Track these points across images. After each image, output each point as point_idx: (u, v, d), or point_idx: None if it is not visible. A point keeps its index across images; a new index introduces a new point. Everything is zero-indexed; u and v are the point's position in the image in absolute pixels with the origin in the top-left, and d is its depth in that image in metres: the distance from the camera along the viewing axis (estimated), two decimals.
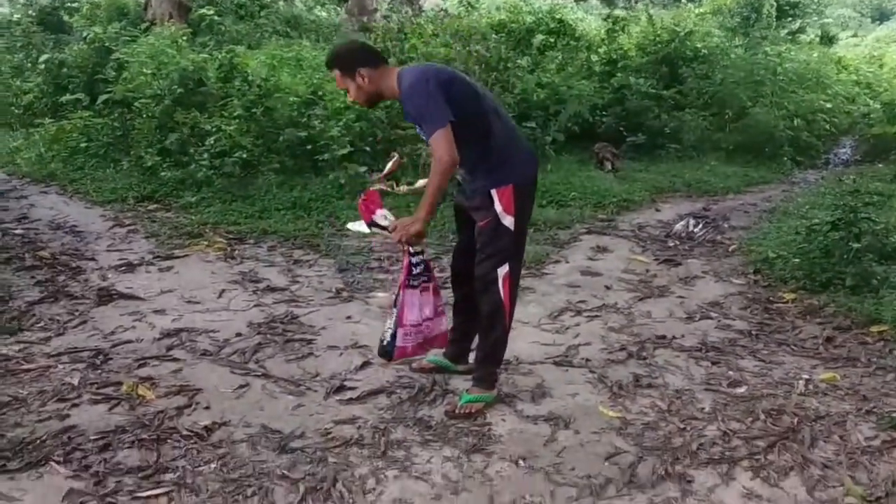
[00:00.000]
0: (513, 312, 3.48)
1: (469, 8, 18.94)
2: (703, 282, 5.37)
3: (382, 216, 3.43)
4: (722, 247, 6.24)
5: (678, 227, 6.72)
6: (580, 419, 3.36)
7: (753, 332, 4.43)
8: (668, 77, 11.64)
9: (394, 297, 3.48)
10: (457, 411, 3.37)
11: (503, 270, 3.33)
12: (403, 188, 7.33)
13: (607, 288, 5.18)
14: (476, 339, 3.63)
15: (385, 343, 3.42)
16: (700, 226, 6.74)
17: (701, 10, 25.52)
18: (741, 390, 3.69)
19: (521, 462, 3.00)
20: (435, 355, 3.77)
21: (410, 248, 3.36)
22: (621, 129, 10.06)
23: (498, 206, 3.28)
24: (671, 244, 6.30)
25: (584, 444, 3.15)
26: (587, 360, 4.01)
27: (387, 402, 3.48)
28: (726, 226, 6.94)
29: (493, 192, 3.28)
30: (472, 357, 3.70)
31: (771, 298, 4.99)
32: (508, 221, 3.30)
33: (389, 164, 3.91)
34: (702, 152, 10.14)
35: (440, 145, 3.09)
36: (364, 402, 3.47)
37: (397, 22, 15.81)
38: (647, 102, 10.40)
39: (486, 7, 21.56)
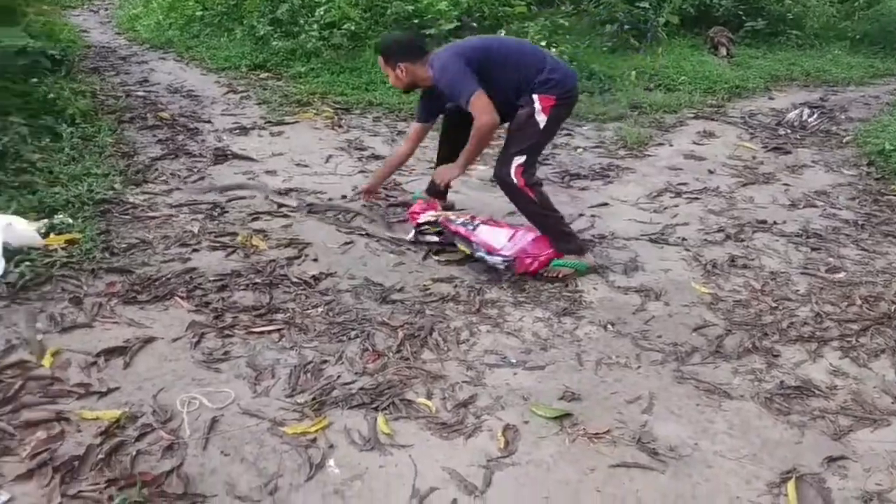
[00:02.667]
0: (540, 196, 3.63)
1: None
2: (812, 171, 5.23)
3: (425, 215, 3.82)
4: (836, 137, 6.01)
5: (791, 115, 6.48)
6: (671, 292, 3.42)
7: (859, 223, 4.33)
8: None
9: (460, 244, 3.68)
10: (546, 274, 3.56)
11: (519, 160, 3.55)
12: None
13: (710, 172, 5.11)
14: None
15: (504, 265, 3.53)
16: (815, 115, 6.48)
17: None
18: (839, 276, 3.66)
19: (609, 326, 3.10)
20: (420, 192, 4.19)
21: (449, 218, 3.73)
22: (740, 13, 9.57)
23: (537, 104, 3.51)
24: (782, 132, 6.11)
25: (672, 315, 3.23)
26: (683, 238, 4.03)
27: (482, 266, 3.61)
28: (843, 117, 6.65)
29: (536, 96, 3.51)
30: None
31: (882, 191, 4.83)
32: (541, 119, 3.51)
33: None
34: (825, 41, 9.61)
35: (478, 107, 3.40)
36: (461, 265, 3.62)
37: None
38: None
39: None
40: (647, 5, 8.72)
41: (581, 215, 4.29)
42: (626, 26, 8.43)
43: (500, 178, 3.62)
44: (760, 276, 3.62)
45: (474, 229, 3.65)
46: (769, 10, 9.55)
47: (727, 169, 5.19)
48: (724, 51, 8.74)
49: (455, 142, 3.83)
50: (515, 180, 3.56)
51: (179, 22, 8.98)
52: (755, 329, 3.13)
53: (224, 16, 8.66)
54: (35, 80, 5.52)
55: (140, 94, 6.48)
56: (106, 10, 11.47)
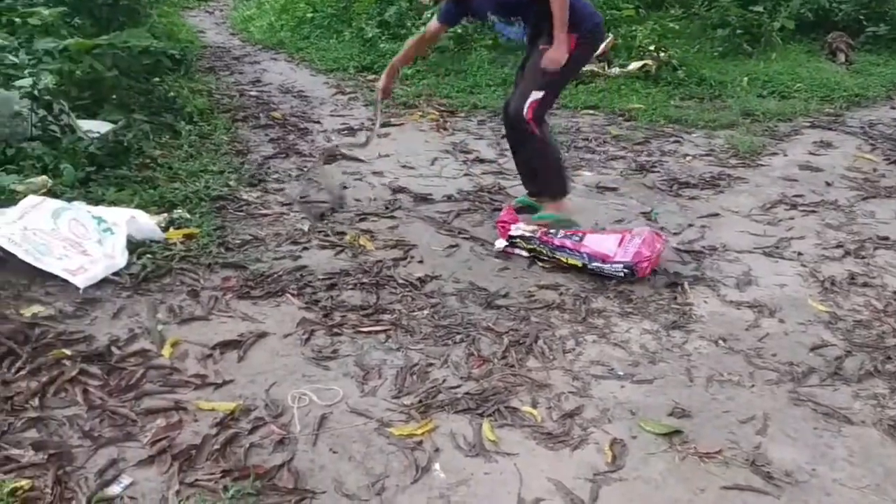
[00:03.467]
0: (543, 131, 3.82)
1: None
2: None
3: (517, 228, 3.72)
4: None
5: None
6: (786, 309, 3.30)
7: None
8: None
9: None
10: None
11: (536, 95, 3.70)
12: (615, 70, 7.22)
13: (828, 184, 4.90)
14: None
15: (624, 273, 3.46)
16: None
17: None
18: None
19: (720, 342, 3.01)
20: (523, 196, 4.23)
21: (549, 232, 3.67)
22: (861, 17, 9.14)
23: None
24: None
25: (788, 333, 3.11)
26: (799, 253, 3.87)
27: (588, 275, 3.56)
28: None
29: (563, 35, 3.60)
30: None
31: None
32: (563, 56, 3.63)
33: (602, 46, 4.00)
34: None
35: None
36: (567, 272, 3.58)
37: None
38: None
39: None
40: (761, 9, 8.44)
41: (691, 225, 4.18)
42: (739, 30, 8.18)
43: (514, 115, 3.75)
44: (883, 296, 3.44)
45: (581, 240, 3.59)
46: (893, 14, 9.08)
47: (846, 181, 4.97)
48: (842, 57, 8.37)
49: None
50: (526, 113, 3.70)
51: (291, 23, 9.24)
52: (877, 352, 2.97)
53: (333, 18, 8.86)
54: (157, 79, 5.77)
55: (253, 93, 6.69)
56: (221, 10, 11.90)
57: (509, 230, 3.75)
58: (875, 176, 5.08)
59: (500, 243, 3.77)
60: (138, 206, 3.94)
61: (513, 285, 3.44)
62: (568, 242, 3.59)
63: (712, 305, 3.32)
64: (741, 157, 5.33)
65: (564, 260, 3.58)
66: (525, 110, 3.71)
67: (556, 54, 3.64)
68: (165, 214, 3.93)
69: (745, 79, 7.24)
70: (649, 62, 7.25)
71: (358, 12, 8.41)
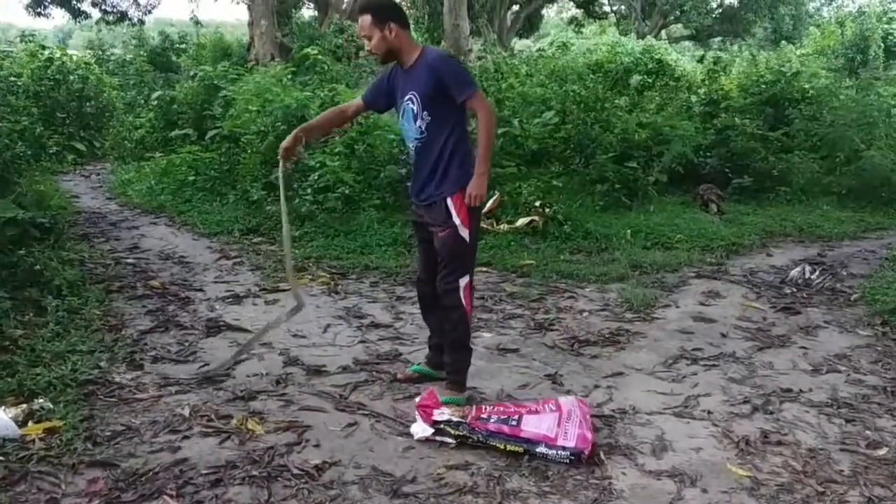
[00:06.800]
0: (470, 319, 3.80)
1: (563, 48, 18.93)
2: (826, 332, 5.05)
3: (441, 413, 3.42)
4: (843, 295, 5.88)
5: (794, 273, 6.38)
6: (707, 476, 3.14)
7: (889, 389, 4.10)
8: (773, 119, 11.31)
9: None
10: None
11: (464, 281, 3.67)
12: (504, 226, 7.29)
13: (723, 336, 4.92)
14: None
15: (570, 459, 3.20)
16: (817, 273, 6.38)
17: (802, 52, 24.93)
18: (881, 452, 3.40)
19: None
20: (419, 364, 4.11)
21: (480, 417, 3.40)
22: (726, 170, 9.73)
23: (456, 219, 3.59)
24: (787, 291, 5.98)
25: None
26: (709, 412, 3.77)
27: (498, 450, 3.33)
28: (844, 273, 6.55)
29: (449, 201, 3.58)
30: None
31: None
32: (465, 234, 3.61)
33: (490, 202, 3.97)
34: (812, 196, 9.71)
35: (484, 103, 3.57)
36: (474, 448, 3.33)
37: (492, 63, 15.94)
38: (752, 144, 10.01)
39: (576, 49, 21.54)
40: (635, 165, 8.84)
41: (597, 386, 4.04)
42: (617, 185, 8.50)
43: (448, 296, 3.67)
44: (799, 455, 3.35)
45: (518, 423, 3.30)
46: (754, 167, 9.70)
47: (739, 332, 5.01)
48: (714, 207, 8.79)
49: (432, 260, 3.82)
50: (463, 302, 3.66)
51: (172, 186, 9.00)
52: None
53: (217, 180, 8.68)
54: (22, 251, 5.36)
55: (130, 261, 6.33)
56: (98, 174, 11.54)
57: (433, 416, 3.41)
58: (766, 325, 5.16)
59: (423, 430, 3.39)
60: None
61: (419, 467, 3.16)
62: (505, 427, 3.30)
63: (631, 477, 3.13)
64: (636, 311, 5.33)
65: (501, 447, 3.26)
66: (462, 300, 3.67)
67: (477, 186, 3.55)
68: (24, 406, 3.49)
69: (629, 231, 7.44)
70: (536, 218, 7.36)
71: (242, 174, 8.28)
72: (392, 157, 7.92)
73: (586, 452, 3.19)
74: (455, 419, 3.37)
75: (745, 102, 11.62)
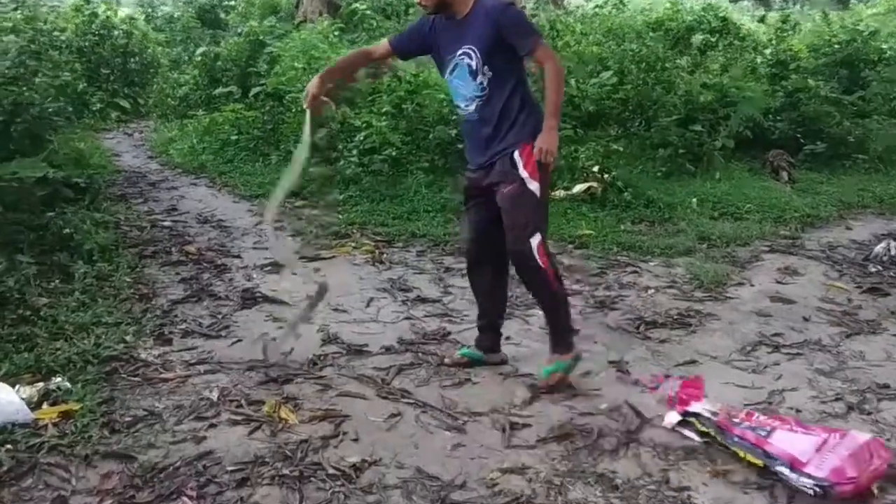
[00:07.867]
0: (559, 275, 3.47)
1: (620, 6, 18.17)
2: None
3: (699, 405, 3.10)
4: None
5: (878, 249, 5.82)
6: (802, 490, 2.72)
7: None
8: (848, 81, 10.59)
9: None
10: (542, 386, 3.38)
11: (535, 240, 3.28)
12: (560, 192, 6.83)
13: (805, 319, 4.44)
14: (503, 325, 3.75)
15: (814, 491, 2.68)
16: None
17: (874, 11, 23.63)
18: None
19: None
20: (468, 348, 3.71)
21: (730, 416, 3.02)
22: (797, 135, 9.08)
23: (523, 172, 3.26)
24: (873, 269, 5.45)
25: None
26: (797, 410, 3.33)
27: (559, 450, 2.95)
28: None
29: (517, 153, 3.26)
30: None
31: None
32: (534, 187, 3.27)
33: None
34: (892, 165, 9.01)
35: (551, 53, 3.28)
36: (531, 448, 2.96)
37: (546, 20, 15.29)
38: (826, 108, 9.32)
39: (633, 7, 20.65)
40: (700, 128, 8.27)
41: (668, 376, 3.61)
42: (681, 150, 7.97)
43: (521, 260, 3.34)
44: None
45: (768, 435, 2.85)
46: (828, 132, 9.05)
47: (823, 315, 4.52)
48: (785, 175, 8.20)
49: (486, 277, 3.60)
50: (540, 262, 3.29)
51: (214, 146, 8.72)
52: None
53: (259, 140, 8.38)
54: (52, 213, 5.08)
55: (167, 224, 6.05)
56: (141, 132, 11.34)
57: (689, 404, 3.10)
58: (852, 308, 4.66)
59: (672, 417, 3.11)
60: (6, 375, 3.22)
61: (470, 470, 2.79)
62: (750, 435, 2.88)
63: (714, 489, 2.72)
64: (706, 289, 4.87)
65: (741, 454, 2.85)
66: (538, 259, 3.29)
67: (549, 144, 3.20)
68: (40, 385, 3.21)
69: (695, 200, 6.93)
70: (594, 184, 6.89)
71: (286, 134, 7.94)
72: (442, 118, 7.47)
73: (838, 489, 2.64)
74: (707, 414, 3.03)
75: (816, 63, 10.90)
